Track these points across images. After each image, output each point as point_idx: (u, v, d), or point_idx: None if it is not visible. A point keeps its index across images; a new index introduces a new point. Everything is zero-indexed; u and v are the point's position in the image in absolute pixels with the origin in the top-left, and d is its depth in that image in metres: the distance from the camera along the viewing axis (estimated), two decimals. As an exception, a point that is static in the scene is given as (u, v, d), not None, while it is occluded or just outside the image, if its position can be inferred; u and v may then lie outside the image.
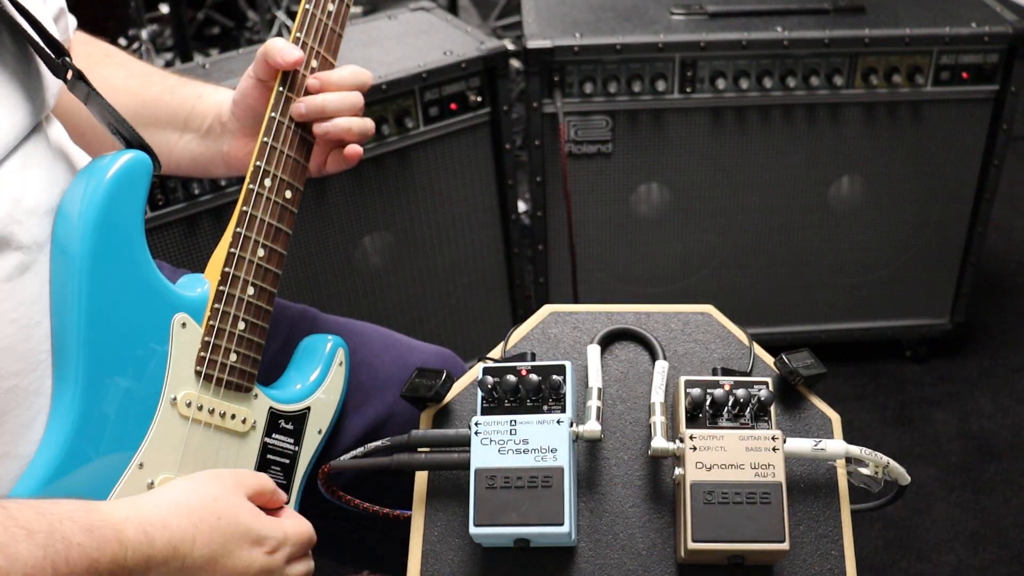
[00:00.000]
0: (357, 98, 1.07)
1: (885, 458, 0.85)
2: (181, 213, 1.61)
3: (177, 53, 2.90)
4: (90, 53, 1.13)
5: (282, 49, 1.00)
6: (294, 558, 0.90)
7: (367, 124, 1.08)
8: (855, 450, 0.85)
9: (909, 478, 0.86)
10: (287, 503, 0.95)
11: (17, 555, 0.69)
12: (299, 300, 1.29)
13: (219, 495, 0.84)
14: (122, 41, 3.05)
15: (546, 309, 0.99)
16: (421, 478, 0.90)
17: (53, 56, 0.90)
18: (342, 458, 0.90)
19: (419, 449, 0.89)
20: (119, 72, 1.12)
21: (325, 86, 1.05)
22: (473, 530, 0.82)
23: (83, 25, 1.13)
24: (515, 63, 2.48)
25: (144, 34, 3.01)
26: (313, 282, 1.80)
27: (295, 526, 0.91)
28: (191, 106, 1.11)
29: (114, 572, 0.74)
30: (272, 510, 0.92)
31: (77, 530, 0.73)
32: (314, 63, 1.05)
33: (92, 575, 0.72)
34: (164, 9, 3.24)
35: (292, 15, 3.32)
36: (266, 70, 1.03)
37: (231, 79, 1.67)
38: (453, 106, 1.81)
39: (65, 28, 1.07)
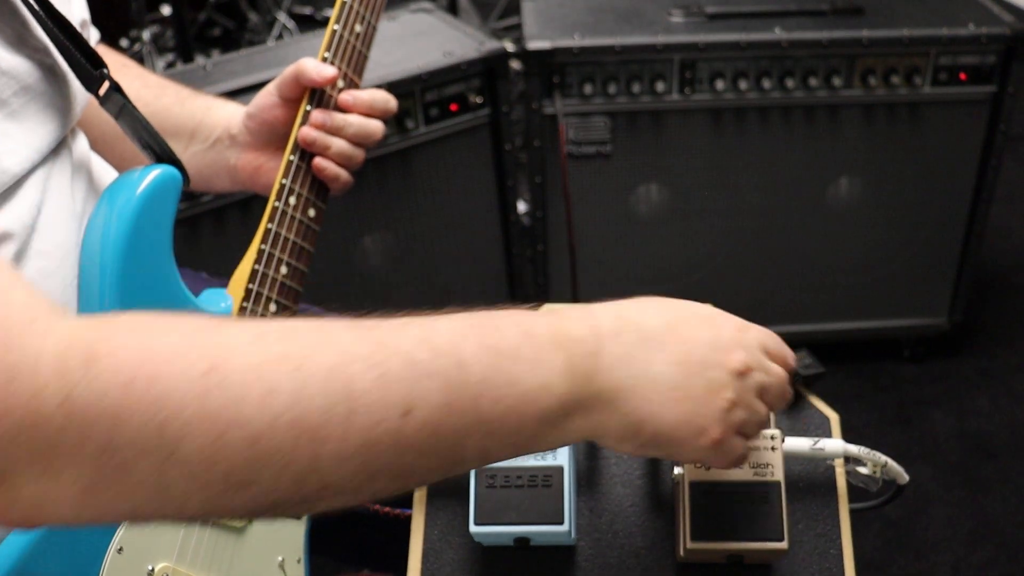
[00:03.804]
0: (377, 127, 1.08)
1: (883, 457, 0.85)
2: (182, 214, 1.61)
3: (178, 54, 2.90)
4: (109, 63, 1.14)
5: (317, 67, 1.02)
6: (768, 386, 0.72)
7: (354, 161, 1.08)
8: (853, 449, 0.85)
9: (907, 477, 0.87)
10: None
11: (437, 326, 0.63)
12: (301, 303, 1.29)
13: None
14: (123, 42, 3.06)
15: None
16: (422, 477, 0.91)
17: (91, 68, 0.89)
18: (343, 457, 0.90)
19: (420, 448, 0.89)
20: (135, 83, 1.12)
21: (357, 102, 1.06)
22: (473, 529, 0.82)
23: (86, 27, 1.13)
24: (515, 64, 2.48)
25: (145, 35, 3.01)
26: (314, 282, 1.79)
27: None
28: (199, 118, 1.12)
29: (559, 339, 0.64)
30: None
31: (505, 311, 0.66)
32: (341, 83, 1.06)
33: (526, 341, 0.63)
34: (165, 10, 3.25)
35: (293, 17, 3.33)
36: (294, 88, 1.04)
37: (232, 80, 1.68)
38: (453, 107, 1.82)
39: (88, 40, 1.07)
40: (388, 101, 1.09)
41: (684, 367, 0.66)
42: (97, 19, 1.07)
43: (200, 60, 2.84)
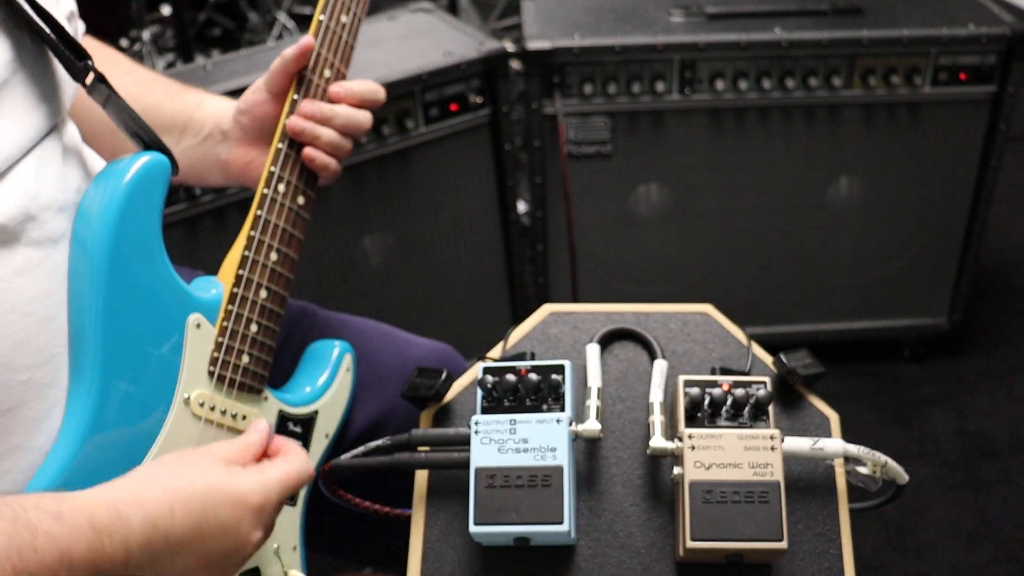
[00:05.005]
0: (365, 117, 1.08)
1: (883, 457, 0.85)
2: (182, 214, 1.62)
3: (179, 54, 2.90)
4: (96, 58, 1.15)
5: (295, 45, 1.03)
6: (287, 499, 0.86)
7: (343, 151, 1.08)
8: (853, 449, 0.85)
9: (907, 477, 0.87)
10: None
11: None
12: (300, 300, 1.29)
13: (191, 463, 0.82)
14: (123, 42, 3.06)
15: (545, 309, 1.00)
16: (421, 477, 0.91)
17: (75, 59, 0.90)
18: (342, 457, 0.90)
19: (419, 448, 0.90)
20: (124, 78, 1.12)
21: (346, 93, 1.06)
22: (473, 529, 0.82)
23: (86, 26, 1.13)
24: (515, 64, 2.48)
25: (146, 35, 3.01)
26: (314, 282, 1.81)
27: (278, 472, 0.85)
28: (190, 113, 1.12)
29: (94, 561, 0.70)
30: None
31: (45, 518, 0.70)
32: (328, 73, 1.07)
33: (65, 566, 0.68)
34: (166, 10, 3.24)
35: (293, 17, 3.33)
36: (281, 81, 1.04)
37: (233, 80, 1.68)
38: (453, 107, 1.82)
39: (75, 32, 1.07)
40: (376, 92, 1.09)
41: (205, 560, 0.79)
42: (97, 19, 1.07)
43: (200, 60, 2.84)
